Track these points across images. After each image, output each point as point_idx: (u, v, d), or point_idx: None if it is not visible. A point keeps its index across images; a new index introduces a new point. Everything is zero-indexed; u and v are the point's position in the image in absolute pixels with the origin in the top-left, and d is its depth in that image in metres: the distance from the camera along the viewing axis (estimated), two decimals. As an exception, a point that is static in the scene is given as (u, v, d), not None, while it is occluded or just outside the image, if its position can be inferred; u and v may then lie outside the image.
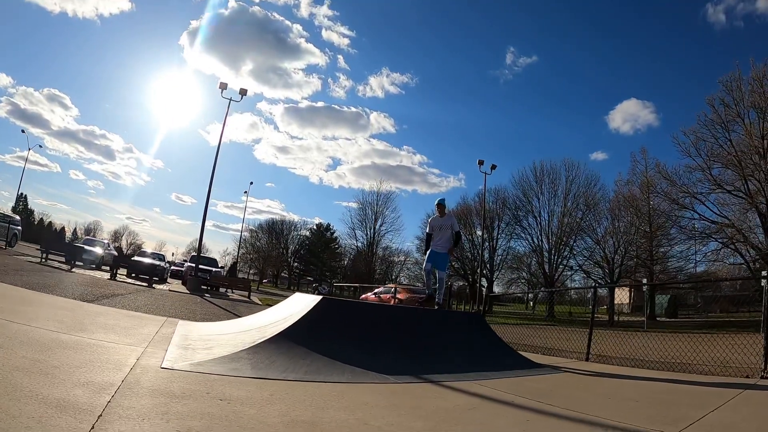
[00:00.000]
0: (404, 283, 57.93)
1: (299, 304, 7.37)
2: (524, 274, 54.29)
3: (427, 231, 10.98)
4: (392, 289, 26.60)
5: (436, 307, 10.47)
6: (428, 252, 10.78)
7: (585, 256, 47.80)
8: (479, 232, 53.48)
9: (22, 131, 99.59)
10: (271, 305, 20.28)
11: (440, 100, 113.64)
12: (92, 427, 2.76)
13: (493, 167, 39.09)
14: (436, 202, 10.92)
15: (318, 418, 3.71)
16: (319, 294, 28.01)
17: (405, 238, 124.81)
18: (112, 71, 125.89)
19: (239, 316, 12.22)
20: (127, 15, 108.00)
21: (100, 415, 2.99)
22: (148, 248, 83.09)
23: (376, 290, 29.14)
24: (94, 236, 75.34)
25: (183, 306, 13.52)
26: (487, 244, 53.68)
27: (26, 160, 63.65)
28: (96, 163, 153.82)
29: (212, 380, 4.46)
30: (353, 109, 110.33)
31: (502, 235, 56.25)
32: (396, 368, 5.88)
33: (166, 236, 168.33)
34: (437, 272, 10.86)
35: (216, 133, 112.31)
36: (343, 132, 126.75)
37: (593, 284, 41.50)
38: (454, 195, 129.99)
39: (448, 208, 11.12)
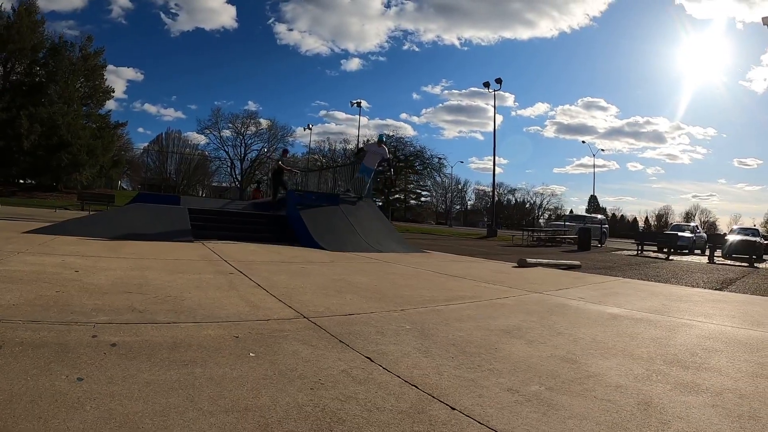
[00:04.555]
0: None
1: None
2: None
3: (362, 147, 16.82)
4: None
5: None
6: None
7: None
8: None
9: (582, 142, 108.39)
10: None
11: None
12: None
13: None
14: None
15: None
16: None
17: None
18: (627, 60, 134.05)
19: None
20: (614, 5, 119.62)
21: None
22: (722, 224, 78.61)
23: None
24: (666, 221, 75.28)
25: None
26: None
27: (594, 166, 69.08)
28: (649, 150, 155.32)
29: None
30: None
31: None
32: None
33: (739, 207, 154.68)
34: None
35: (758, 78, 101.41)
36: None
37: None
38: None
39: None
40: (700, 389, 3.05)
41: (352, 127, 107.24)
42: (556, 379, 3.06)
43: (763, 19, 26.48)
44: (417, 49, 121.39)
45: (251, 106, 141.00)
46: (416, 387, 2.70)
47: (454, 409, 2.43)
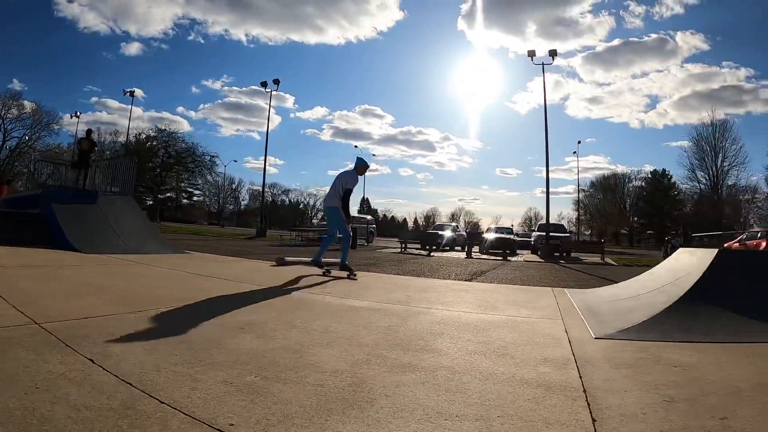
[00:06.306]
0: (754, 226, 53.01)
1: (689, 262, 6.76)
2: None
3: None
4: (759, 234, 24.12)
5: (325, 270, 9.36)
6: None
7: None
8: None
9: (355, 146, 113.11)
10: (627, 265, 19.75)
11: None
12: (587, 402, 2.69)
13: None
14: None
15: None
16: (672, 248, 26.44)
17: (751, 171, 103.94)
18: (408, 74, 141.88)
19: (607, 279, 11.90)
20: (402, 23, 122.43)
21: (584, 389, 2.91)
22: (485, 224, 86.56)
23: (740, 238, 26.64)
24: (434, 222, 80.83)
25: (549, 275, 13.48)
26: None
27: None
28: (420, 158, 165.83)
29: (649, 347, 4.15)
30: (654, 35, 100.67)
31: None
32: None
33: (500, 210, 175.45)
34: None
35: (522, 101, 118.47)
36: (652, 65, 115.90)
37: None
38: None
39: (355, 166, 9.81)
40: (416, 369, 3.22)
41: (125, 118, 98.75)
42: (275, 368, 3.11)
43: (528, 52, 31.15)
44: (202, 41, 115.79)
45: (16, 84, 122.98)
46: (131, 385, 2.69)
47: (162, 402, 2.46)
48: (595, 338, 4.51)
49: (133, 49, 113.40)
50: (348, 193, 9.36)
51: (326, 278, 8.58)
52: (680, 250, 8.37)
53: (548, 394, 2.80)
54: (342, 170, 9.71)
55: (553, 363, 3.52)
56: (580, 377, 3.18)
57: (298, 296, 6.39)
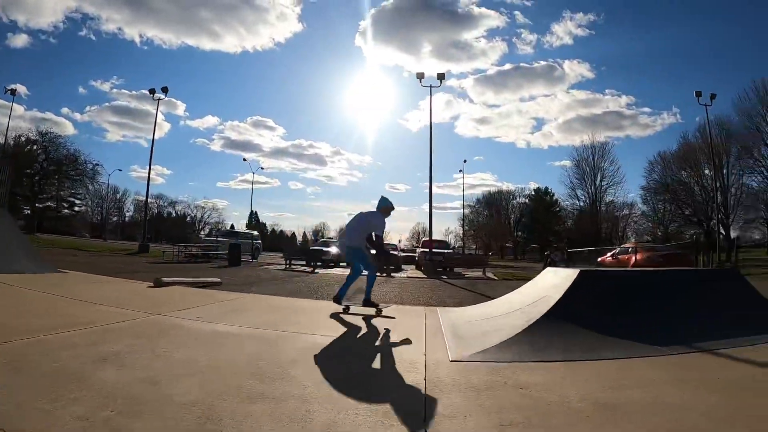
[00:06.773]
0: (631, 239, 56.55)
1: (554, 280, 7.22)
2: (763, 213, 50.36)
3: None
4: (629, 249, 25.71)
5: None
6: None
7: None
8: (707, 171, 50.03)
9: (244, 159, 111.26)
10: (507, 279, 20.57)
11: (635, 29, 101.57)
12: (425, 430, 2.89)
13: (713, 97, 35.68)
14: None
15: (616, 399, 3.63)
16: (552, 263, 27.70)
17: (628, 190, 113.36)
18: (303, 87, 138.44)
19: (484, 295, 12.37)
20: (300, 35, 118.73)
21: (425, 416, 3.13)
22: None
23: (613, 252, 28.21)
24: (322, 236, 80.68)
25: (429, 292, 13.86)
26: (717, 184, 49.16)
27: (252, 182, 71.55)
28: (310, 171, 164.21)
29: (502, 368, 4.48)
30: (543, 62, 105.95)
31: (733, 171, 52.16)
32: (665, 339, 5.52)
33: (389, 225, 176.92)
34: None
35: (414, 119, 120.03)
36: (540, 89, 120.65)
37: None
38: (672, 134, 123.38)
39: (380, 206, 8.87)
40: (267, 399, 3.36)
41: (6, 116, 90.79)
42: (133, 401, 3.16)
43: (417, 74, 32.33)
44: (94, 38, 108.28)
45: None
46: (-8, 425, 2.65)
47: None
48: (451, 361, 4.77)
49: (20, 41, 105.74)
50: (380, 239, 8.82)
51: (201, 301, 8.51)
52: (546, 269, 8.88)
53: (389, 421, 3.01)
54: (365, 211, 9.03)
55: (404, 389, 3.74)
56: (425, 403, 3.41)
57: (168, 322, 6.30)
